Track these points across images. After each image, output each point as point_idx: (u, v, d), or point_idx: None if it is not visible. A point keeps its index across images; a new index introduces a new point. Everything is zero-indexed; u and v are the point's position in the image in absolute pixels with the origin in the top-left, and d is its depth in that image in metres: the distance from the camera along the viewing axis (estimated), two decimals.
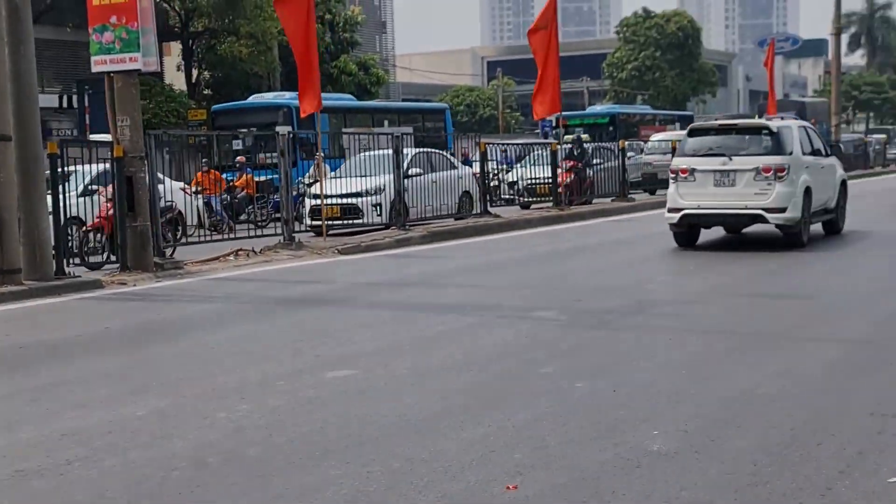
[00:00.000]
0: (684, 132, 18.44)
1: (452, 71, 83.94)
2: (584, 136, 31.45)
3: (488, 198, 22.19)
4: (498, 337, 8.97)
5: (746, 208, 14.83)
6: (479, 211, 21.39)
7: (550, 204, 23.21)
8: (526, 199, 24.63)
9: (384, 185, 19.69)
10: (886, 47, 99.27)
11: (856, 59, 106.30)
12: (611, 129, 40.29)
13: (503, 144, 27.48)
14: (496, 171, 25.26)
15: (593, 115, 43.62)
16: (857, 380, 7.00)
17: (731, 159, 14.95)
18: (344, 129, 28.67)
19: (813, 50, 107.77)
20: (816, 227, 16.45)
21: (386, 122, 31.91)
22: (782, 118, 18.53)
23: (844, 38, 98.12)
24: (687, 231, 15.57)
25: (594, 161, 25.41)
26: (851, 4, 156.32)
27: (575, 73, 72.07)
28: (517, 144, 28.75)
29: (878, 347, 8.04)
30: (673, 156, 26.75)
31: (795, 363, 7.49)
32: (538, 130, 46.43)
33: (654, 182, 29.89)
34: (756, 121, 16.97)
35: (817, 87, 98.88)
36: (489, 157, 23.10)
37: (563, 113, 50.68)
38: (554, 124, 44.43)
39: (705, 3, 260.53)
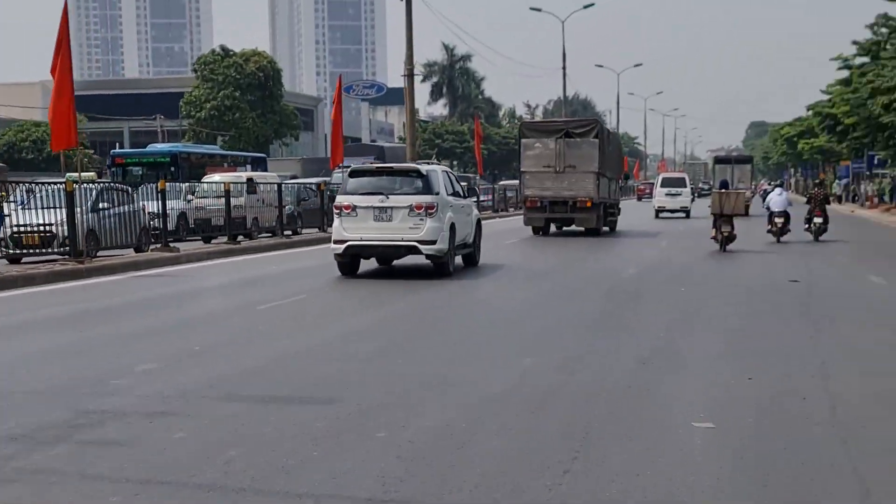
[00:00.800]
0: (242, 173, 18.27)
1: (22, 104, 77.32)
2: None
3: None
4: None
5: (402, 241, 16.89)
6: None
7: (65, 255, 19.01)
8: (14, 251, 19.54)
9: None
10: (467, 97, 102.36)
11: (440, 108, 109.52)
12: (173, 168, 36.38)
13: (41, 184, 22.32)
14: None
15: (153, 154, 39.34)
16: None
17: (388, 197, 16.94)
18: None
19: (400, 98, 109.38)
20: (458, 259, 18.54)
21: None
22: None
23: (427, 86, 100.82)
24: (350, 261, 17.43)
25: (100, 206, 21.23)
26: (433, 54, 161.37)
27: (151, 111, 67.80)
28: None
29: None
30: (227, 199, 23.92)
31: None
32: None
33: (208, 228, 26.30)
34: (408, 164, 19.30)
35: (403, 133, 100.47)
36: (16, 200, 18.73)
37: (121, 150, 46.45)
38: (110, 162, 40.03)
39: (296, 49, 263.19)
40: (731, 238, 23.42)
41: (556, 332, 11.24)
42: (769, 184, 52.54)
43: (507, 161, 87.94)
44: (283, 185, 28.91)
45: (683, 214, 45.40)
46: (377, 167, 18.58)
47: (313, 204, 31.16)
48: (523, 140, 30.45)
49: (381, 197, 16.91)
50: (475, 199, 31.14)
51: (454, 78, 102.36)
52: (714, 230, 23.81)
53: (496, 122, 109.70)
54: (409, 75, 34.71)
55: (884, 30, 40.51)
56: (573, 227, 30.87)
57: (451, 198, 17.92)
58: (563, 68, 65.73)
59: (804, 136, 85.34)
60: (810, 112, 68.65)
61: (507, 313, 13.01)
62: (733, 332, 11.05)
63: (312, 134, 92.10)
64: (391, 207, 16.86)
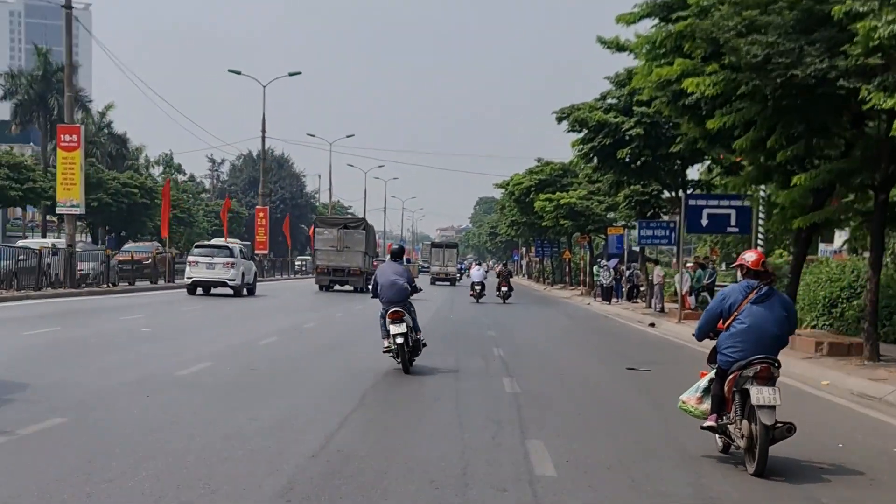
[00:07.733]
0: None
1: None
2: None
3: None
4: None
5: (220, 279, 37.12)
6: None
7: None
8: None
9: None
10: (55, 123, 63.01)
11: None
12: None
13: None
14: None
15: None
16: None
17: (213, 258, 37.28)
18: None
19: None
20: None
21: None
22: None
23: (7, 107, 72.04)
24: (193, 287, 37.80)
25: None
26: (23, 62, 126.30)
27: None
28: None
29: None
30: None
31: None
32: None
33: None
34: (223, 242, 40.89)
35: None
36: None
37: None
38: None
39: None
40: None
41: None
42: (476, 264, 54.96)
43: (132, 219, 64.76)
44: None
45: None
46: (207, 244, 40.08)
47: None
48: (317, 228, 49.58)
49: (210, 258, 37.35)
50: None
51: (48, 96, 68.73)
52: None
53: (127, 165, 79.73)
54: None
55: None
56: (346, 287, 47.76)
57: (242, 259, 38.77)
58: (263, 133, 69.56)
59: (544, 187, 55.54)
60: (565, 125, 32.69)
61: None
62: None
63: None
64: (215, 262, 37.14)
